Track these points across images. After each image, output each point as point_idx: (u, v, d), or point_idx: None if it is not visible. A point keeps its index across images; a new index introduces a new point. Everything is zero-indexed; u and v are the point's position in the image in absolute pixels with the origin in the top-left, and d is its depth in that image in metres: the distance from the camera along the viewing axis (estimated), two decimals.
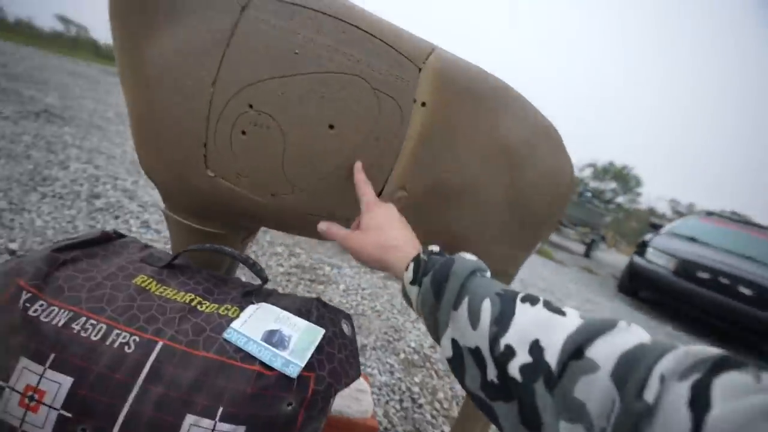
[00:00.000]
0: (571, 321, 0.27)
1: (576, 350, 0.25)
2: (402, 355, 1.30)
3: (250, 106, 0.46)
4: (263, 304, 0.50)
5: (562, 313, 0.29)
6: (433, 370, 1.28)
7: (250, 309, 0.48)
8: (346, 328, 0.54)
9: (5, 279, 0.44)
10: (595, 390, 0.22)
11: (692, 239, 3.89)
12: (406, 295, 0.40)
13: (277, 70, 0.45)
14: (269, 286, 0.80)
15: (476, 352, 0.31)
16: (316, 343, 0.46)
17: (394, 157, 0.51)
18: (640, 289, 3.90)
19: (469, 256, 0.38)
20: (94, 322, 0.42)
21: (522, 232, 0.62)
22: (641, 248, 3.92)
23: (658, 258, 3.66)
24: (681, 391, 0.19)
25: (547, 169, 0.61)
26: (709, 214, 4.49)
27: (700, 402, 0.18)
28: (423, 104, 0.50)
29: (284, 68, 0.45)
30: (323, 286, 1.57)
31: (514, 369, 0.27)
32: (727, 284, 3.17)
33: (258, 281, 0.53)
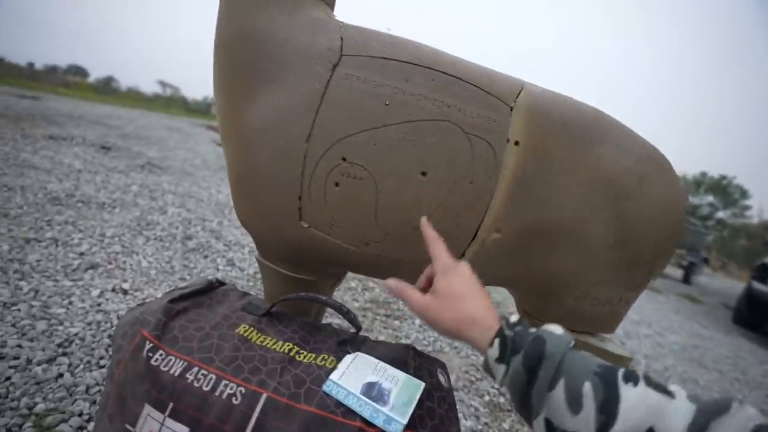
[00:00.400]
0: (683, 406, 0.27)
1: None
2: (487, 397, 1.21)
3: (344, 159, 0.47)
4: (359, 353, 0.49)
5: (670, 394, 0.28)
6: None
7: (347, 359, 0.48)
8: (442, 378, 0.51)
9: (132, 329, 0.48)
10: None
11: None
12: (488, 369, 0.38)
13: (368, 123, 0.46)
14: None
15: None
16: (417, 398, 0.44)
17: (489, 200, 0.48)
18: (764, 320, 3.30)
19: (557, 330, 0.36)
20: (205, 372, 0.44)
21: (633, 271, 0.55)
22: (762, 272, 3.35)
23: (747, 405, 3.08)
24: None
25: (658, 199, 0.54)
26: None
27: None
28: (516, 143, 0.48)
29: (374, 120, 0.46)
30: (399, 322, 1.55)
31: None
32: None
33: (352, 328, 0.53)
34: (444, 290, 0.42)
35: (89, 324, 1.04)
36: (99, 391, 0.85)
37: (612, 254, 0.53)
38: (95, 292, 1.18)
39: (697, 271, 6.17)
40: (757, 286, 3.26)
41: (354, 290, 1.73)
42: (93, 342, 0.98)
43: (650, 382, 0.29)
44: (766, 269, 3.30)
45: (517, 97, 0.49)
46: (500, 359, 0.36)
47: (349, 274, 1.88)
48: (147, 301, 0.54)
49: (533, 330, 0.37)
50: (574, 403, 0.30)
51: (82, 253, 1.38)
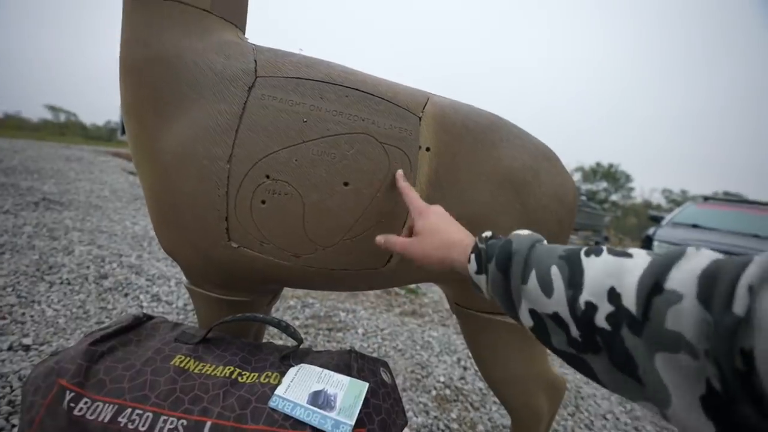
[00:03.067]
0: (640, 261, 0.27)
1: (654, 286, 0.25)
2: (433, 392, 1.26)
3: (267, 176, 0.48)
4: (303, 365, 0.50)
5: (629, 255, 0.29)
6: (468, 402, 1.24)
7: (291, 372, 0.48)
8: (385, 376, 0.53)
9: (46, 380, 0.44)
10: (685, 317, 0.22)
11: (695, 226, 3.91)
12: (475, 285, 0.41)
13: (288, 140, 0.48)
14: None
15: (555, 317, 0.32)
16: (362, 398, 0.46)
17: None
18: None
19: (523, 231, 0.39)
20: (140, 411, 0.42)
21: None
22: (647, 243, 3.92)
23: (664, 250, 3.66)
24: None
25: (552, 189, 0.63)
26: (706, 199, 4.54)
27: None
28: (428, 149, 0.53)
29: (294, 137, 0.48)
30: (342, 333, 1.55)
31: (601, 321, 0.28)
32: None
33: (293, 343, 0.53)
34: (422, 228, 0.47)
35: None
36: None
37: None
38: None
39: None
40: None
41: (293, 308, 1.70)
42: None
43: (612, 251, 0.30)
44: (650, 240, 3.88)
45: (424, 108, 0.54)
46: (479, 271, 0.39)
47: (288, 294, 1.84)
48: (60, 350, 0.49)
49: (503, 238, 0.40)
50: (546, 287, 0.32)
51: None
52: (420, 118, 0.53)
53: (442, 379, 1.35)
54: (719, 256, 0.24)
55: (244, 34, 0.59)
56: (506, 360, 0.67)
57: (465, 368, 1.47)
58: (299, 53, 0.56)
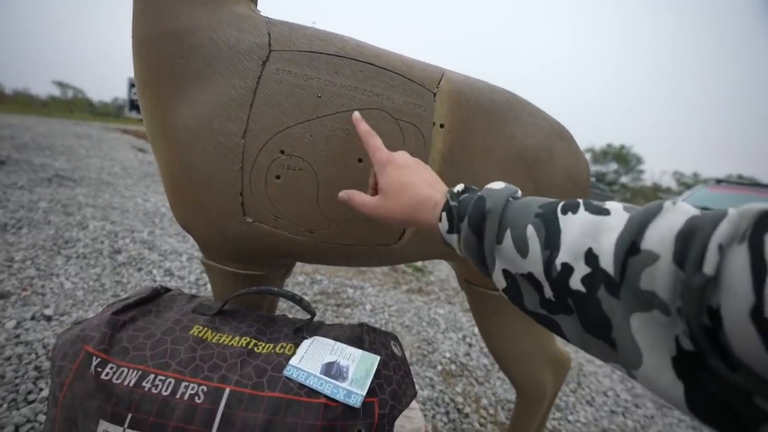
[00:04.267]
0: (617, 219, 0.26)
1: (630, 247, 0.24)
2: (439, 367, 1.29)
3: (282, 152, 0.49)
4: (316, 337, 0.51)
5: (606, 212, 0.28)
6: (472, 377, 1.28)
7: (305, 344, 0.50)
8: (396, 349, 0.55)
9: (73, 346, 0.46)
10: (660, 277, 0.22)
11: (705, 209, 3.84)
12: (446, 243, 0.39)
13: (303, 116, 0.48)
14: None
15: (530, 277, 0.31)
16: (374, 370, 0.47)
17: None
18: None
19: (496, 186, 0.37)
20: (163, 377, 0.44)
21: None
22: None
23: (680, 201, 3.61)
24: (741, 254, 0.19)
25: (566, 168, 0.62)
26: (719, 181, 4.45)
27: (757, 264, 0.18)
28: (441, 126, 0.52)
29: (309, 113, 0.48)
30: (350, 309, 1.58)
31: (576, 283, 0.27)
32: None
33: (305, 316, 0.55)
34: (385, 185, 0.43)
35: (8, 359, 0.94)
36: (32, 428, 0.78)
37: None
38: (10, 324, 1.06)
39: None
40: None
41: (302, 284, 1.73)
42: (16, 378, 0.89)
43: (589, 207, 0.29)
44: None
45: (438, 84, 0.54)
46: (450, 230, 0.37)
47: (297, 270, 1.87)
48: (84, 319, 0.51)
49: (478, 192, 0.37)
50: (522, 248, 0.31)
51: None
52: (435, 94, 0.53)
53: (447, 354, 1.38)
54: (696, 211, 0.23)
55: (256, 6, 0.58)
56: (513, 336, 0.68)
57: (470, 345, 1.50)
58: (312, 26, 0.55)
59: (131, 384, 0.43)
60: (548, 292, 0.30)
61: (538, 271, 0.30)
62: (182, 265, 1.69)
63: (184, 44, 0.50)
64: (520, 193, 0.36)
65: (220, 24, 0.51)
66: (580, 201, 0.30)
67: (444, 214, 0.38)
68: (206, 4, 0.51)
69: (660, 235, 0.23)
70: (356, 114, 0.48)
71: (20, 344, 0.99)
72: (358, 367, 0.47)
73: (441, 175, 0.54)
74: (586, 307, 0.27)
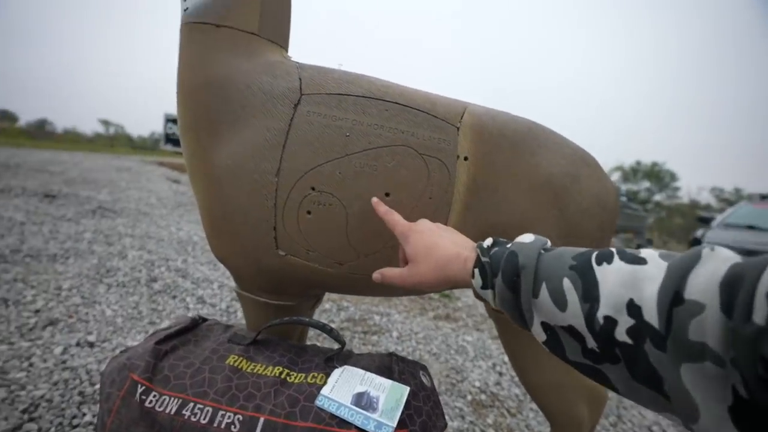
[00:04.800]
0: (655, 268, 0.26)
1: (674, 297, 0.24)
2: (469, 397, 1.26)
3: (312, 189, 0.52)
4: (346, 367, 0.52)
5: (643, 261, 0.28)
6: (504, 408, 1.23)
7: (336, 374, 0.51)
8: (425, 379, 0.55)
9: (120, 374, 0.49)
10: (709, 327, 0.22)
11: (750, 227, 3.63)
12: (479, 297, 0.40)
13: (332, 154, 0.51)
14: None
15: (570, 330, 0.30)
16: (404, 401, 0.48)
17: (448, 212, 0.54)
18: None
19: (526, 239, 0.37)
20: (201, 406, 0.46)
21: None
22: (696, 245, 3.69)
23: (717, 246, 3.42)
24: None
25: (592, 194, 0.62)
26: (764, 197, 4.21)
27: None
28: (465, 158, 0.54)
29: (338, 151, 0.51)
30: (377, 336, 1.58)
31: (621, 335, 0.27)
32: None
33: (336, 345, 0.56)
34: (412, 252, 0.44)
35: (55, 384, 0.99)
36: None
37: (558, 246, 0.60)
38: (58, 350, 1.12)
39: None
40: None
41: (329, 311, 1.74)
42: (62, 402, 0.93)
43: (624, 256, 0.29)
44: (698, 243, 3.65)
45: (461, 118, 0.56)
46: (485, 286, 0.37)
47: (323, 297, 1.89)
48: (129, 347, 0.54)
49: (507, 246, 0.37)
50: (560, 301, 0.31)
51: (37, 310, 1.31)
52: (458, 129, 0.55)
53: (477, 384, 1.34)
54: (737, 258, 0.23)
55: (287, 52, 0.63)
56: (545, 366, 0.66)
57: (500, 374, 1.45)
58: (339, 69, 0.59)
59: (172, 412, 0.45)
60: (591, 343, 0.29)
61: (580, 324, 0.29)
62: (214, 293, 1.75)
63: (223, 91, 0.55)
64: (549, 243, 0.37)
65: (255, 72, 0.55)
66: (613, 250, 0.30)
67: (476, 271, 0.38)
68: (242, 54, 0.56)
69: (704, 284, 0.23)
70: (374, 199, 0.51)
71: (66, 369, 1.04)
72: (388, 398, 0.48)
73: (466, 207, 0.55)
74: (634, 359, 0.26)
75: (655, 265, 0.27)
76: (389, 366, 0.53)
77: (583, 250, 0.33)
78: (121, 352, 0.54)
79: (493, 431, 1.11)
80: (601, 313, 0.28)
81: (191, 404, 0.46)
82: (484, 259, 0.38)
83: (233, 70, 0.55)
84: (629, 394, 0.28)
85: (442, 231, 0.45)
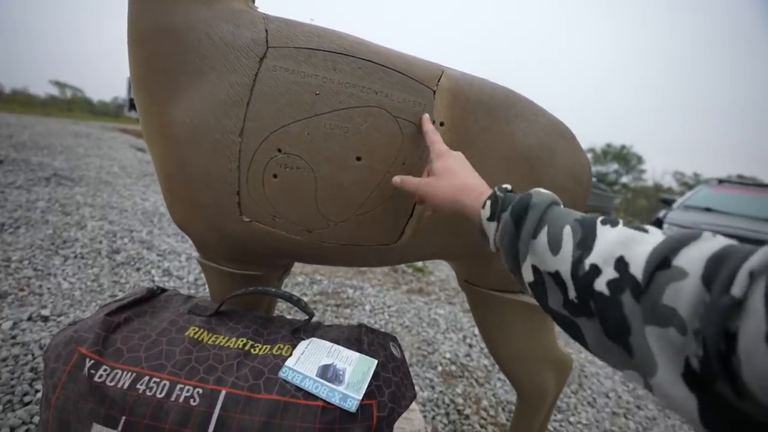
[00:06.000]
0: (655, 237, 0.27)
1: (662, 260, 0.25)
2: (439, 368, 1.29)
3: (279, 150, 0.48)
4: (313, 339, 0.50)
5: (645, 231, 0.29)
6: (473, 378, 1.27)
7: (302, 345, 0.49)
8: (395, 350, 0.54)
9: (66, 348, 0.45)
10: (684, 295, 0.23)
11: (707, 209, 3.84)
12: (482, 232, 0.41)
13: (300, 113, 0.47)
14: None
15: (556, 276, 0.32)
16: (371, 374, 0.46)
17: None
18: None
19: (544, 191, 0.39)
20: (157, 379, 0.43)
21: None
22: (656, 225, 3.88)
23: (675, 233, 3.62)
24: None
25: (568, 167, 0.62)
26: (721, 182, 4.44)
27: None
28: (441, 123, 0.52)
29: (306, 110, 0.47)
30: (350, 310, 1.58)
31: (600, 285, 0.28)
32: None
33: (304, 316, 0.54)
34: (440, 168, 0.46)
35: (4, 360, 0.93)
36: (27, 430, 0.77)
37: None
38: (6, 324, 1.05)
39: None
40: None
41: (302, 284, 1.72)
42: (12, 379, 0.88)
43: (629, 225, 0.30)
44: (660, 223, 3.83)
45: (438, 81, 0.53)
46: (491, 217, 0.39)
47: (296, 270, 1.87)
48: (78, 320, 0.50)
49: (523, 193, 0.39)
50: (555, 245, 0.32)
51: None
52: (434, 92, 0.52)
53: (448, 355, 1.37)
54: (733, 242, 0.24)
55: (253, 2, 0.57)
56: (514, 337, 0.67)
57: (471, 345, 1.49)
58: (310, 23, 0.54)
59: (125, 386, 0.42)
60: (572, 293, 0.30)
61: (565, 270, 0.31)
62: (181, 265, 1.68)
63: (179, 40, 0.49)
64: (563, 206, 0.38)
65: (216, 20, 0.50)
66: (621, 220, 0.31)
67: (488, 202, 0.39)
68: (202, 1, 0.50)
69: (693, 256, 0.24)
70: (425, 115, 0.51)
71: (16, 345, 0.98)
72: (355, 371, 0.46)
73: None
74: (607, 310, 0.27)
75: (655, 235, 0.28)
76: (358, 337, 0.52)
77: (593, 214, 0.34)
78: (69, 325, 0.50)
79: (462, 400, 1.14)
80: (588, 261, 0.29)
81: (146, 378, 0.43)
82: (499, 193, 0.40)
83: (191, 17, 0.50)
84: (600, 352, 0.29)
85: (471, 167, 0.47)
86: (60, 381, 0.43)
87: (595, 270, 0.28)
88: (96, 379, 0.42)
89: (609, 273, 0.27)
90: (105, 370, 0.43)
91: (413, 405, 0.84)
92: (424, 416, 1.03)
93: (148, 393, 0.42)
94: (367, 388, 0.45)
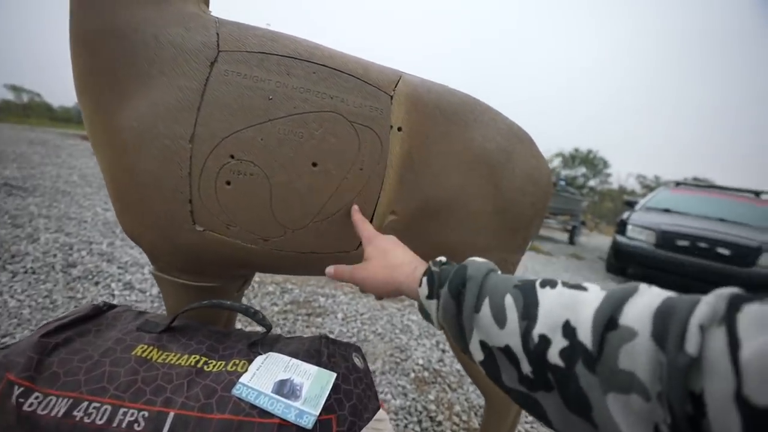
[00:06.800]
0: (594, 295, 0.27)
1: (609, 321, 0.24)
2: (412, 375, 1.28)
3: (232, 156, 0.46)
4: (271, 353, 0.48)
5: (583, 288, 0.28)
6: (445, 384, 1.26)
7: (258, 360, 0.47)
8: (358, 361, 0.53)
9: None
10: (639, 356, 0.22)
11: (666, 210, 4.04)
12: (424, 311, 0.39)
13: (253, 119, 0.46)
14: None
15: (507, 350, 0.30)
16: (329, 388, 0.45)
17: (380, 184, 0.51)
18: (627, 266, 4.00)
19: (478, 259, 0.38)
20: (98, 404, 0.40)
21: (512, 236, 0.64)
22: (621, 227, 4.04)
23: (638, 234, 3.78)
24: (720, 336, 0.19)
25: (526, 171, 0.63)
26: (678, 184, 4.70)
27: (732, 342, 0.18)
28: (399, 129, 0.51)
29: (260, 115, 0.46)
30: (321, 318, 1.55)
31: (554, 356, 0.26)
32: (706, 248, 3.29)
33: (261, 329, 0.52)
34: (370, 252, 0.46)
35: None
36: None
37: (493, 223, 0.60)
38: None
39: (578, 232, 7.22)
40: (620, 238, 3.92)
41: (272, 294, 1.68)
42: None
43: (566, 284, 0.30)
44: (624, 224, 4.00)
45: (396, 86, 0.52)
46: (430, 295, 0.37)
47: (267, 279, 1.82)
48: (9, 343, 0.46)
49: (457, 264, 0.38)
50: (500, 317, 0.31)
51: None
52: (391, 97, 0.52)
53: (420, 361, 1.37)
54: (670, 294, 0.24)
55: (207, 6, 0.56)
56: None
57: (444, 351, 1.49)
58: (265, 27, 0.53)
59: (59, 414, 0.39)
60: (526, 367, 0.29)
61: (515, 344, 0.29)
62: (144, 278, 1.61)
63: (126, 43, 0.47)
64: (499, 271, 0.37)
65: (165, 22, 0.48)
66: (558, 279, 0.31)
67: (425, 279, 0.38)
68: (150, 1, 0.48)
69: (638, 312, 0.23)
70: (355, 206, 0.52)
71: None
72: (313, 385, 0.45)
73: (400, 180, 0.53)
74: (566, 383, 0.26)
75: (594, 292, 0.27)
76: (318, 349, 0.50)
77: (530, 277, 0.33)
78: (0, 348, 0.46)
79: (435, 406, 1.14)
80: (536, 332, 0.28)
81: (84, 404, 0.40)
82: (434, 268, 0.38)
83: (138, 18, 0.47)
84: (563, 427, 0.28)
85: (403, 246, 0.46)
86: None
87: (545, 340, 0.27)
88: (25, 408, 0.39)
89: (559, 342, 0.26)
90: (36, 398, 0.40)
91: (383, 414, 0.83)
92: (396, 425, 1.02)
93: (86, 420, 0.39)
94: (326, 402, 0.43)
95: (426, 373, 1.30)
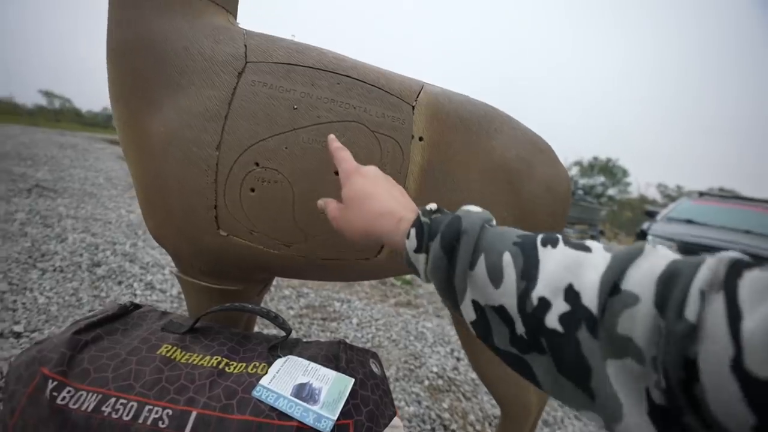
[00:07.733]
0: (599, 257, 0.25)
1: (612, 287, 0.23)
2: (426, 382, 1.27)
3: (257, 164, 0.47)
4: (290, 356, 0.49)
5: (588, 249, 0.27)
6: (460, 392, 1.25)
7: (278, 364, 0.48)
8: (375, 367, 0.53)
9: (29, 369, 0.43)
10: (639, 322, 0.21)
11: (689, 221, 3.93)
12: (410, 263, 0.35)
13: (278, 128, 0.47)
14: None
15: (501, 310, 0.28)
16: (347, 393, 0.45)
17: None
18: None
19: (473, 209, 0.34)
20: (125, 401, 0.42)
21: None
22: (641, 237, 3.94)
23: (659, 245, 3.68)
24: (719, 301, 0.18)
25: (545, 181, 0.62)
26: (701, 194, 4.56)
27: (732, 311, 0.18)
28: (420, 139, 0.52)
29: (284, 125, 0.47)
30: (336, 323, 1.55)
31: (552, 321, 0.25)
32: None
33: (282, 333, 0.53)
34: (347, 194, 0.40)
35: None
36: None
37: None
38: None
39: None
40: None
41: (288, 298, 1.70)
42: None
43: (568, 242, 0.28)
44: (644, 234, 3.89)
45: (417, 97, 0.53)
46: (419, 249, 0.33)
47: (283, 283, 1.84)
48: (44, 339, 0.49)
49: (450, 213, 0.34)
50: (496, 276, 0.28)
51: None
52: (413, 107, 0.52)
53: (435, 369, 1.36)
54: (676, 256, 0.23)
55: (235, 19, 0.58)
56: (497, 358, 0.67)
57: (458, 359, 1.48)
58: (291, 39, 0.54)
59: (89, 409, 0.40)
60: (520, 328, 0.27)
61: (511, 305, 0.27)
62: (164, 279, 1.65)
63: (158, 54, 0.49)
64: (495, 222, 0.34)
65: (196, 35, 0.50)
66: (559, 236, 0.29)
67: (413, 231, 0.34)
68: (183, 15, 0.50)
69: (642, 277, 0.22)
70: (331, 135, 0.46)
71: None
72: (331, 390, 0.45)
73: (420, 189, 0.53)
74: (561, 349, 0.25)
75: (599, 254, 0.26)
76: (336, 354, 0.51)
77: (528, 232, 0.31)
78: (34, 343, 0.48)
79: (449, 415, 1.13)
80: (536, 294, 0.26)
81: (112, 399, 0.42)
82: (424, 219, 0.34)
83: (170, 31, 0.50)
84: (553, 390, 0.27)
85: (390, 184, 0.40)
86: (19, 404, 0.41)
87: (545, 304, 0.26)
88: (58, 401, 0.40)
89: (560, 306, 0.25)
90: (69, 392, 0.41)
91: (397, 421, 0.83)
92: None
93: (114, 415, 0.41)
94: (344, 407, 0.44)
95: (440, 381, 1.29)
